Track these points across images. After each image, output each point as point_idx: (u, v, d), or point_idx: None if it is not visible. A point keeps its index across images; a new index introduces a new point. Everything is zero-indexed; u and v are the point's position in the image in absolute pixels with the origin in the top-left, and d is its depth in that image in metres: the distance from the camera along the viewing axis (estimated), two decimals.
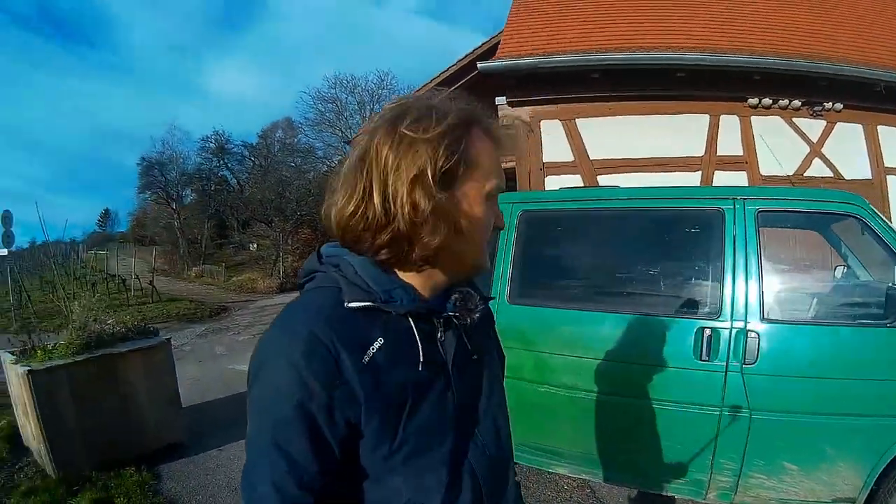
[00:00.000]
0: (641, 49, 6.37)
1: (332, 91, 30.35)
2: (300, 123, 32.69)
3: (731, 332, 2.70)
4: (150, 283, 17.67)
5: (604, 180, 6.55)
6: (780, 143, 6.41)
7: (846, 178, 6.45)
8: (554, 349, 3.10)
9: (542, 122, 6.84)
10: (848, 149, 6.54)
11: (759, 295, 2.74)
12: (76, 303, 4.81)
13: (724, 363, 2.69)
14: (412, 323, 0.86)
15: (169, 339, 4.83)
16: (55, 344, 4.34)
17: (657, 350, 2.85)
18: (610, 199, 3.34)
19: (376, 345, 0.82)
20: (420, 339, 0.86)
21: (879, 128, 6.59)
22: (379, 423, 0.81)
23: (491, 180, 0.88)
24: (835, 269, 3.36)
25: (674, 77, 6.26)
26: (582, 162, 6.68)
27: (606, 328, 2.94)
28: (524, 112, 6.88)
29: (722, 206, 2.92)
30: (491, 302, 1.08)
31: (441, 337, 0.91)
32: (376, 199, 0.82)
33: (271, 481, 0.77)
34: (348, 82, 30.39)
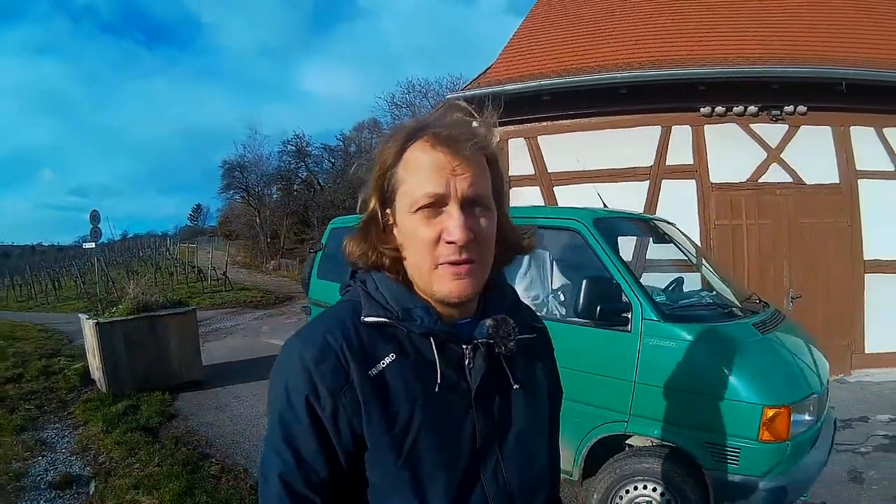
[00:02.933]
0: (586, 70, 7.34)
1: (407, 96, 32.80)
2: (383, 126, 35.58)
3: None
4: (224, 273, 21.58)
5: (559, 191, 7.62)
6: (734, 150, 7.07)
7: (808, 182, 6.98)
8: None
9: (510, 141, 7.96)
10: (813, 153, 7.02)
11: None
12: (132, 282, 8.27)
13: None
14: (433, 344, 0.92)
15: (194, 309, 7.64)
16: (116, 308, 7.31)
17: None
18: None
19: (387, 360, 0.90)
20: (440, 362, 0.92)
21: (853, 129, 7.01)
22: (379, 439, 0.88)
23: (415, 192, 0.89)
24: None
25: (618, 94, 7.11)
26: (541, 175, 7.77)
27: None
28: (496, 133, 8.12)
29: None
30: None
31: (469, 363, 0.95)
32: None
33: (279, 475, 0.88)
34: (422, 87, 32.66)
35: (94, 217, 13.15)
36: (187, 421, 5.86)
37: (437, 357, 0.92)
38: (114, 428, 5.44)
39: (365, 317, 0.93)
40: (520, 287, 3.82)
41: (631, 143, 7.44)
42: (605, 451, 3.35)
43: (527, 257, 3.88)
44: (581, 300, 3.14)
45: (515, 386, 0.99)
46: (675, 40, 7.84)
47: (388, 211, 0.95)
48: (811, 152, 7.05)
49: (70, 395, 6.90)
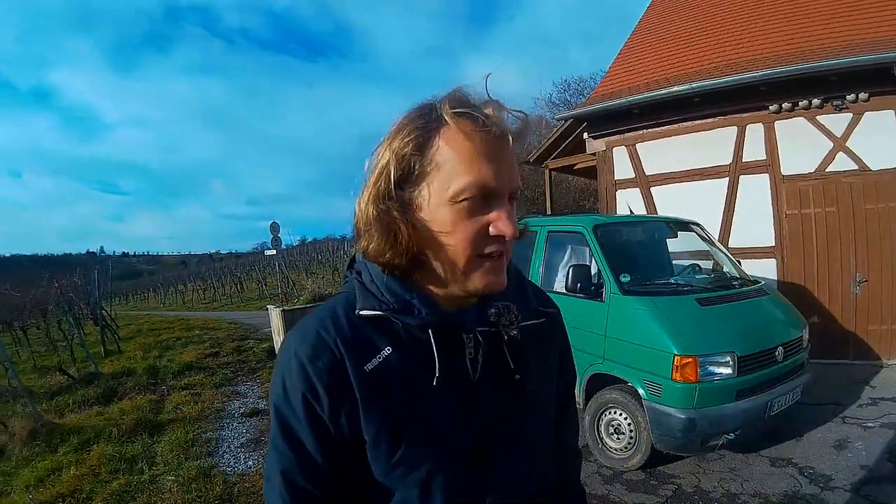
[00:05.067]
0: (672, 81, 9.05)
1: (563, 95, 32.12)
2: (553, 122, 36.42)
3: None
4: None
5: (655, 190, 9.41)
6: (802, 142, 8.12)
7: (873, 168, 7.74)
8: None
9: (614, 149, 9.96)
10: (878, 138, 7.71)
11: (538, 275, 5.92)
12: (309, 280, 11.83)
13: None
14: (431, 336, 0.97)
15: None
16: (297, 299, 10.37)
17: None
18: None
19: (383, 354, 0.96)
20: (439, 354, 0.97)
21: None
22: (377, 434, 0.95)
23: (456, 182, 0.90)
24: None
25: (693, 102, 8.69)
26: (640, 178, 9.58)
27: None
28: (601, 143, 10.08)
29: (537, 230, 6.10)
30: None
31: (470, 353, 1.01)
32: (355, 209, 1.01)
33: (281, 471, 0.97)
34: (577, 84, 32.02)
35: (274, 227, 16.89)
36: None
37: (435, 349, 0.97)
38: None
39: (360, 310, 0.99)
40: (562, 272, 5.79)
41: (712, 143, 8.90)
42: (600, 384, 5.20)
43: (569, 249, 5.96)
44: (568, 280, 5.20)
45: (518, 376, 1.05)
46: (740, 44, 9.41)
47: (398, 193, 0.95)
48: (876, 138, 7.77)
49: (258, 365, 10.27)
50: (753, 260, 8.37)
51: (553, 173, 14.16)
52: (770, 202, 8.51)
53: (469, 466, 1.01)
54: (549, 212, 13.17)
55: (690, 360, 4.45)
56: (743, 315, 5.12)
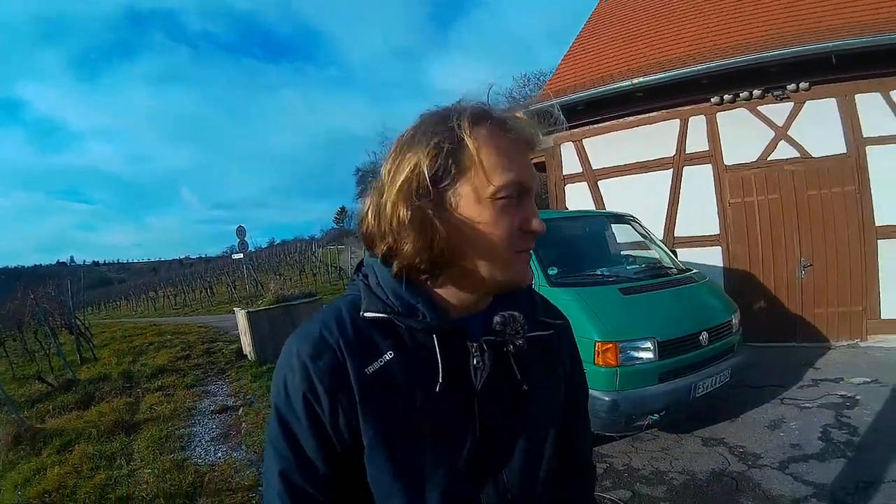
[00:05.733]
0: (616, 77, 9.56)
1: (525, 90, 32.95)
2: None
3: None
4: None
5: (602, 184, 9.97)
6: (744, 132, 8.56)
7: (815, 156, 8.11)
8: None
9: (562, 145, 10.48)
10: (820, 126, 8.03)
11: None
12: (271, 282, 13.06)
13: None
14: (436, 342, 1.00)
15: (320, 298, 11.61)
16: (261, 301, 11.05)
17: None
18: None
19: (386, 357, 0.98)
20: (442, 361, 0.99)
21: (858, 97, 7.81)
22: (374, 436, 0.97)
23: (496, 180, 0.94)
24: None
25: (637, 97, 9.21)
26: (587, 172, 10.15)
27: None
28: (549, 139, 10.44)
29: None
30: None
31: (475, 361, 1.03)
32: (370, 210, 1.02)
33: (279, 471, 0.98)
34: (538, 79, 32.96)
35: (241, 231, 17.39)
36: None
37: (439, 355, 0.99)
38: (258, 379, 9.13)
39: (364, 312, 1.01)
40: None
41: (656, 136, 9.39)
42: None
43: None
44: None
45: (524, 387, 1.07)
46: (683, 39, 10.03)
47: (434, 191, 0.96)
48: (817, 126, 8.07)
49: (226, 365, 10.92)
50: (699, 248, 8.96)
51: None
52: (714, 191, 8.98)
53: (467, 474, 1.02)
54: None
55: (611, 345, 4.81)
56: (667, 302, 5.49)
